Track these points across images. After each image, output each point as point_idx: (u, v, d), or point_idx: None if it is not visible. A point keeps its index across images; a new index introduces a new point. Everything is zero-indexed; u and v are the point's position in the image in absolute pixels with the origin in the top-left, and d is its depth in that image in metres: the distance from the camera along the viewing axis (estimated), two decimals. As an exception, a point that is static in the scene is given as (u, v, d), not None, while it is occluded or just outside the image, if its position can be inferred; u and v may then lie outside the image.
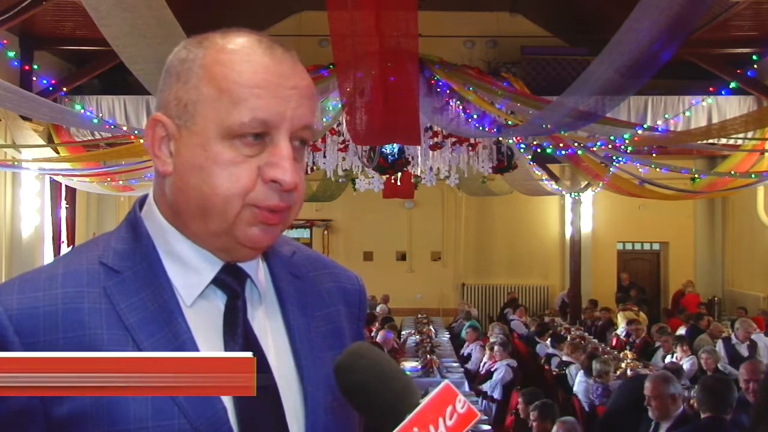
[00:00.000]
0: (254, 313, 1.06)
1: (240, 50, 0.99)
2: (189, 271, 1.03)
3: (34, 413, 0.93)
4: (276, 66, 0.99)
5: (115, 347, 0.95)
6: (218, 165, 0.96)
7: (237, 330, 1.02)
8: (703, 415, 4.28)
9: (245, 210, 0.98)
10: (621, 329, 10.86)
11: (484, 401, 7.81)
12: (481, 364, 9.02)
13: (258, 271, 1.08)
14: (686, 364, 7.71)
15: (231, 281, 1.04)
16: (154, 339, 0.97)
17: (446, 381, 0.89)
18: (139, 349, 0.96)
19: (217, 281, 1.04)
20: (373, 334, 9.70)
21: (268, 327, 1.07)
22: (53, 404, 0.93)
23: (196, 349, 0.98)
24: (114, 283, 0.99)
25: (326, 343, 1.09)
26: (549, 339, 9.62)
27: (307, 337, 1.08)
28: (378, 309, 12.06)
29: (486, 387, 8.08)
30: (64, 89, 9.78)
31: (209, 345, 1.00)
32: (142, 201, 1.09)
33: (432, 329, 11.22)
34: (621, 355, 8.49)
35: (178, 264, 1.03)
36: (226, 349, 1.01)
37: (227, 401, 0.98)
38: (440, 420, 0.84)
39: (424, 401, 0.85)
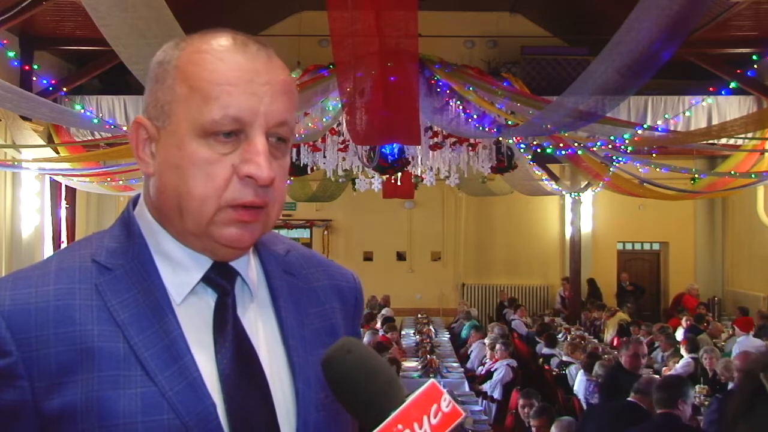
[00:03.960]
0: (245, 311, 1.07)
1: (213, 49, 0.99)
2: (179, 269, 1.04)
3: (25, 409, 0.94)
4: (249, 63, 0.99)
5: (106, 343, 0.96)
6: (194, 164, 0.97)
7: (227, 327, 1.03)
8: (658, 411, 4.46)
9: (221, 212, 0.98)
10: (609, 336, 10.83)
11: (484, 401, 7.81)
12: (480, 365, 9.02)
13: (249, 268, 1.08)
14: (680, 368, 7.65)
15: (220, 279, 1.05)
16: (145, 335, 0.98)
17: (432, 380, 0.90)
18: (130, 345, 0.97)
19: (206, 279, 1.04)
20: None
21: (260, 324, 1.08)
22: (44, 399, 0.94)
23: (186, 346, 0.99)
24: (106, 280, 1.00)
25: (320, 340, 1.10)
26: (543, 340, 9.56)
27: (299, 334, 1.09)
28: (384, 311, 12.05)
29: (486, 387, 8.08)
30: (64, 89, 9.78)
31: (199, 342, 1.01)
32: (135, 200, 1.10)
33: (432, 329, 11.22)
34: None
35: (168, 262, 1.04)
36: (216, 345, 1.02)
37: (217, 397, 0.99)
38: (425, 418, 0.85)
39: (409, 398, 0.86)
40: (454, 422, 0.86)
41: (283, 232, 15.27)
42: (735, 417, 1.27)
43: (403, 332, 11.40)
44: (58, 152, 9.49)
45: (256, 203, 0.99)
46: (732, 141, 9.53)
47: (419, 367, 8.40)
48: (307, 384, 1.05)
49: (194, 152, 0.97)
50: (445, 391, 0.88)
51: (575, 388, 7.29)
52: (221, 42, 1.00)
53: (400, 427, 0.84)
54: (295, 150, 9.24)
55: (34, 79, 9.27)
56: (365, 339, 8.66)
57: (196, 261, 1.04)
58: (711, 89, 8.63)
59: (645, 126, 8.29)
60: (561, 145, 8.74)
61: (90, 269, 1.01)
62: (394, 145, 8.99)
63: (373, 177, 10.61)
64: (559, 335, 10.33)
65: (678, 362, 7.82)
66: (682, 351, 8.09)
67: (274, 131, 1.00)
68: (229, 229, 0.99)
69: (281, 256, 1.15)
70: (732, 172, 9.72)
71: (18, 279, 1.01)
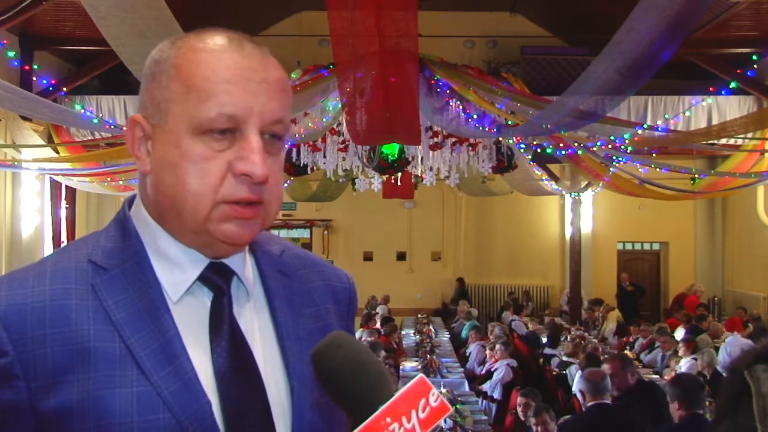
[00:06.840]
0: (241, 310, 1.07)
1: (209, 48, 1.00)
2: (175, 268, 1.04)
3: (21, 409, 0.94)
4: (245, 61, 1.00)
5: (102, 342, 0.97)
6: (189, 161, 0.98)
7: (222, 327, 1.04)
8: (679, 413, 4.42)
9: (216, 208, 0.99)
10: (610, 330, 10.90)
11: (484, 401, 7.81)
12: (480, 365, 9.02)
13: (245, 268, 1.09)
14: (684, 366, 7.66)
15: (217, 278, 1.05)
16: (141, 335, 0.98)
17: (420, 374, 0.91)
18: (126, 345, 0.97)
19: (203, 279, 1.05)
20: (358, 334, 9.69)
21: (256, 324, 1.08)
22: (40, 399, 0.94)
23: (182, 345, 1.00)
24: (102, 280, 1.01)
25: (314, 341, 1.08)
26: (546, 340, 9.58)
27: (294, 334, 1.09)
28: (378, 309, 12.04)
29: (486, 387, 8.08)
30: (64, 89, 9.78)
31: (196, 341, 1.02)
32: (131, 200, 1.11)
33: (432, 329, 11.22)
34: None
35: (165, 262, 1.04)
36: (212, 344, 1.02)
37: (213, 396, 0.99)
38: (413, 412, 0.86)
39: (398, 393, 0.87)
40: (442, 416, 0.87)
41: (283, 232, 15.27)
42: (720, 416, 1.27)
43: (403, 332, 11.40)
44: (58, 152, 9.49)
45: (251, 199, 1.00)
46: (732, 141, 9.53)
47: (419, 367, 8.40)
48: (302, 383, 1.05)
49: (190, 149, 0.98)
50: (433, 386, 0.89)
51: (574, 388, 7.28)
52: (217, 41, 1.01)
53: (388, 420, 0.85)
54: (295, 150, 9.26)
55: (34, 79, 9.27)
56: (363, 339, 8.67)
57: (193, 260, 1.04)
58: (711, 89, 8.64)
59: (645, 126, 8.29)
60: (561, 145, 8.74)
61: (86, 269, 1.02)
62: (394, 145, 8.98)
63: (373, 177, 10.61)
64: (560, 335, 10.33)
65: (679, 363, 7.81)
66: (681, 353, 8.08)
67: (269, 129, 1.01)
68: (227, 224, 1.00)
69: (276, 256, 1.16)
70: (732, 172, 9.72)
71: (14, 279, 1.01)
